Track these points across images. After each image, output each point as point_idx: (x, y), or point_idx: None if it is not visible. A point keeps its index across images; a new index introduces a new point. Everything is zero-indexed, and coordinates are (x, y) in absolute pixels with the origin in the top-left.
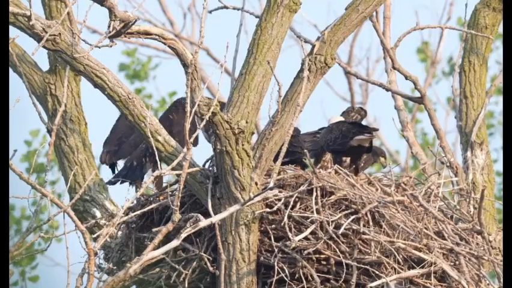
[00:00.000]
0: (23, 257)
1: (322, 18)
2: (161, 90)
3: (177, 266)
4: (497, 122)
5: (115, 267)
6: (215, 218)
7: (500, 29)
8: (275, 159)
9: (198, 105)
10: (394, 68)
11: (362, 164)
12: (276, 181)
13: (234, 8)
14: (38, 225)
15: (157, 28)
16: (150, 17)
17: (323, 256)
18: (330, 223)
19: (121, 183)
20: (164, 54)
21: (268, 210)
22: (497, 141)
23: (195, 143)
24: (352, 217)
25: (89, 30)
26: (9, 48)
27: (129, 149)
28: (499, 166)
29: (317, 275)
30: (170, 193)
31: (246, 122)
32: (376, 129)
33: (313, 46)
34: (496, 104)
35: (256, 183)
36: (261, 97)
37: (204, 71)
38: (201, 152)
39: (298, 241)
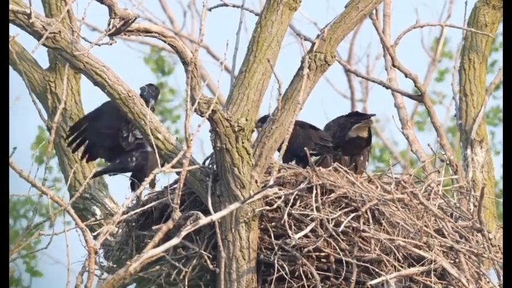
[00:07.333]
0: (23, 255)
1: (322, 16)
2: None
3: (177, 264)
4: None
5: (115, 265)
6: (215, 216)
7: (500, 27)
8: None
9: (198, 103)
10: (394, 66)
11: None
12: (276, 179)
13: (234, 6)
14: (39, 222)
15: (157, 26)
16: (150, 15)
17: (322, 254)
18: (330, 221)
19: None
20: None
21: (268, 208)
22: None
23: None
24: (352, 215)
25: (89, 28)
26: (9, 46)
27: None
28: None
29: (317, 273)
30: (170, 191)
31: (246, 120)
32: (373, 115)
33: (313, 44)
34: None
35: (256, 181)
36: (260, 95)
37: (204, 69)
38: (200, 150)
39: (298, 239)
